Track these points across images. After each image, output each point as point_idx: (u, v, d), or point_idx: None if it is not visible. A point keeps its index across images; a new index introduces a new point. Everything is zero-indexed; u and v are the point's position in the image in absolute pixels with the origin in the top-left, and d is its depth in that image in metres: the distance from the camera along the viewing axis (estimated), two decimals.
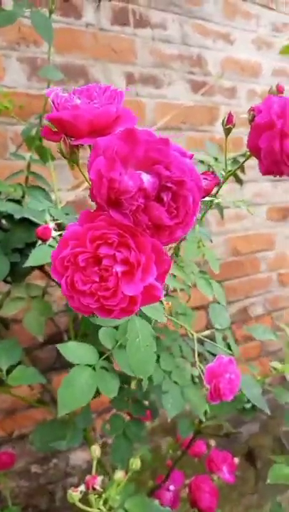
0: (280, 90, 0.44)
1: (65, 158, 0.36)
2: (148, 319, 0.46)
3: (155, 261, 0.29)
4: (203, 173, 0.37)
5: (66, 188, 1.02)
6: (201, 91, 1.29)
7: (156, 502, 0.62)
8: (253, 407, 0.66)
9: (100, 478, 0.47)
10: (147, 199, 0.28)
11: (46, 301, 0.72)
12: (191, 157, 0.30)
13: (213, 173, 0.47)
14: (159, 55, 1.23)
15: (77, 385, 0.48)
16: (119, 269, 0.28)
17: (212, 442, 0.96)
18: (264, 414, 0.75)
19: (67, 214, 0.67)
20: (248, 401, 0.65)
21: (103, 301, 0.29)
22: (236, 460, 0.94)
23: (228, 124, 0.46)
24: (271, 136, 0.39)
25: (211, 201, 0.51)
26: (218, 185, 0.65)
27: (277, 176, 0.45)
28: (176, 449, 0.92)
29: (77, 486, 0.48)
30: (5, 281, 0.74)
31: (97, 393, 0.58)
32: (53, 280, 0.86)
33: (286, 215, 1.63)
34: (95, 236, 0.29)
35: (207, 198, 0.43)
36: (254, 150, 0.41)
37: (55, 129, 0.35)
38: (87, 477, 0.47)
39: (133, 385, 0.66)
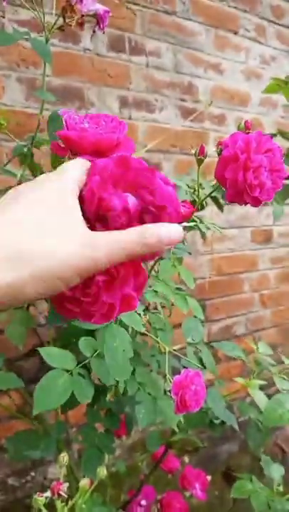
0: (247, 127, 0.49)
1: None
2: (126, 327, 0.49)
3: (133, 274, 0.33)
4: (182, 201, 0.40)
5: None
6: (190, 117, 1.35)
7: None
8: (223, 421, 0.68)
9: (65, 485, 0.49)
10: (130, 219, 0.32)
11: (28, 312, 0.74)
12: (173, 186, 0.35)
13: (190, 202, 0.52)
14: (152, 81, 1.29)
15: (54, 387, 0.51)
16: (100, 278, 0.31)
17: (186, 459, 0.97)
18: (243, 434, 0.77)
19: None
20: (217, 417, 0.68)
21: (85, 306, 0.32)
22: (209, 478, 0.96)
23: (200, 155, 0.50)
24: (235, 169, 0.43)
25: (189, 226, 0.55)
26: (197, 211, 0.70)
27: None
28: (147, 462, 0.93)
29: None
30: None
31: (75, 403, 0.60)
32: None
33: (269, 238, 1.68)
34: None
35: (185, 224, 0.47)
36: (221, 180, 0.45)
37: (63, 146, 0.39)
38: (53, 483, 0.49)
39: (109, 396, 0.68)
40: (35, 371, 1.11)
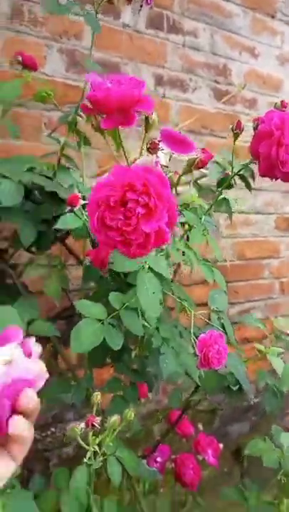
0: (284, 105, 0.51)
1: (95, 130, 0.44)
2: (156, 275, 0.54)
3: (167, 210, 0.37)
4: (201, 149, 0.44)
5: (90, 175, 1.09)
6: (223, 99, 1.36)
7: (144, 462, 0.68)
8: (240, 389, 0.72)
9: (98, 418, 0.53)
10: None
11: (64, 272, 0.79)
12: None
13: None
14: (188, 61, 1.30)
15: (87, 333, 0.56)
16: (141, 210, 0.35)
17: (200, 426, 1.01)
18: (254, 416, 0.81)
19: None
20: (236, 383, 0.71)
21: (125, 235, 0.36)
22: (221, 445, 1.00)
23: (237, 129, 0.53)
24: (269, 144, 0.46)
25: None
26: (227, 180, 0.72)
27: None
28: (162, 428, 0.97)
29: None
30: (28, 250, 0.82)
31: (104, 356, 0.65)
32: (73, 254, 0.92)
33: None
34: (124, 184, 0.36)
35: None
36: (255, 154, 0.48)
37: (91, 106, 0.43)
38: (88, 415, 0.53)
39: (133, 354, 0.73)
40: (62, 334, 1.16)
